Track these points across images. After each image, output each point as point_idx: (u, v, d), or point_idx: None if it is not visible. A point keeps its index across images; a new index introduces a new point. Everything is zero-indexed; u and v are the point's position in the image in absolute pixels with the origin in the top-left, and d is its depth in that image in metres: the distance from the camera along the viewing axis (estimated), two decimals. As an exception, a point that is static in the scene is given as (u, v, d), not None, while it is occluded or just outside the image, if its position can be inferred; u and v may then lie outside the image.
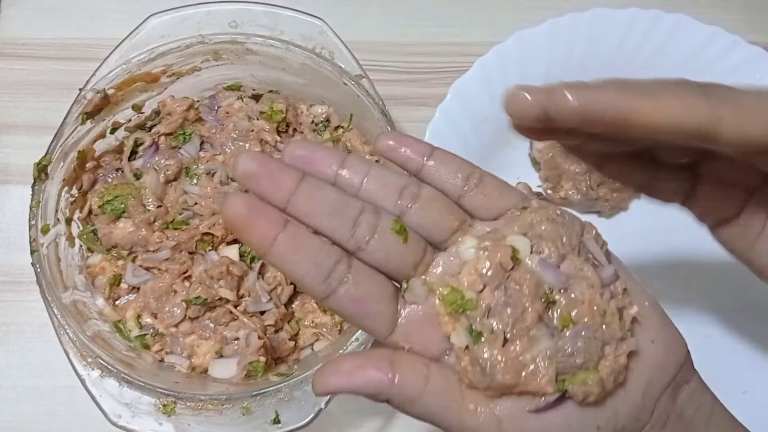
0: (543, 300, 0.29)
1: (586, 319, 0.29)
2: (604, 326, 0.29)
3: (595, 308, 0.29)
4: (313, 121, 0.57)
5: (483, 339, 0.29)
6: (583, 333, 0.29)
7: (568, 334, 0.29)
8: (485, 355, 0.28)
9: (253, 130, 0.56)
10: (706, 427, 0.32)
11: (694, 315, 0.58)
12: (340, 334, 0.53)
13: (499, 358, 0.28)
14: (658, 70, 0.61)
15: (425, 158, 0.31)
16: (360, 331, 0.46)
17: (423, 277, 0.30)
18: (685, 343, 0.32)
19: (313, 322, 0.54)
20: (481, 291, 0.29)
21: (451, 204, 0.31)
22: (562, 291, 0.29)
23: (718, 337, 0.57)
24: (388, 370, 0.29)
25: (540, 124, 0.28)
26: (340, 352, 0.45)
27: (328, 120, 0.57)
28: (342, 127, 0.57)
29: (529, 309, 0.29)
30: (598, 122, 0.26)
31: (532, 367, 0.29)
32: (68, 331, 0.45)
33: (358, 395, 0.29)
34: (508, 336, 0.29)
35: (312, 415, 0.45)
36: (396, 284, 0.30)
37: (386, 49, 0.66)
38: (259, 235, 0.27)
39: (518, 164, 0.61)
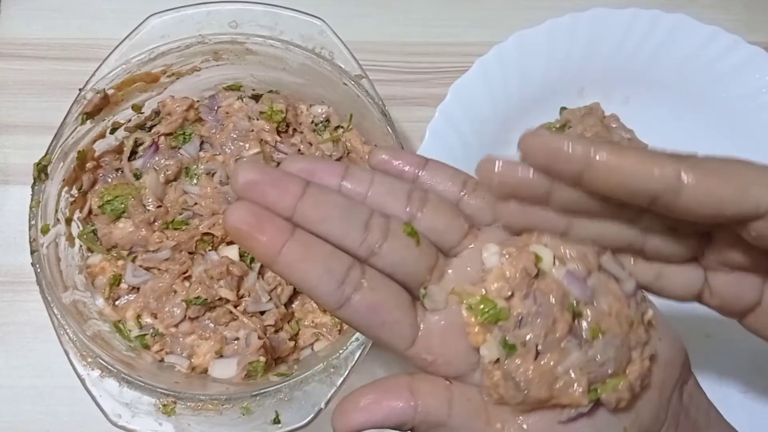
0: (570, 311, 0.28)
1: (615, 329, 0.28)
2: (631, 334, 0.29)
3: (623, 319, 0.28)
4: (313, 121, 0.57)
5: (516, 352, 0.28)
6: (614, 342, 0.28)
7: (598, 343, 0.28)
8: (519, 369, 0.27)
9: (253, 130, 0.56)
10: (707, 428, 0.32)
11: (694, 315, 0.58)
12: (340, 334, 0.53)
13: (532, 371, 0.27)
14: (658, 70, 0.61)
15: (419, 169, 0.31)
16: (360, 331, 0.45)
17: (449, 286, 0.29)
18: (681, 341, 0.32)
19: (313, 322, 0.54)
20: (509, 299, 0.28)
21: (457, 208, 0.30)
22: (587, 304, 0.29)
23: (718, 337, 0.57)
24: (409, 399, 0.28)
25: (514, 188, 0.28)
26: (340, 352, 0.45)
27: (328, 120, 0.57)
28: (342, 127, 0.57)
29: (560, 319, 0.28)
30: (563, 166, 0.26)
31: (565, 379, 0.28)
32: (68, 331, 0.45)
33: (383, 429, 0.28)
34: (540, 348, 0.28)
35: (312, 415, 0.45)
36: (412, 294, 0.29)
37: (386, 49, 0.66)
38: (266, 243, 0.26)
39: (518, 164, 0.61)
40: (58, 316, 0.45)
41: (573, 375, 0.28)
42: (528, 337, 0.28)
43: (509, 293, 0.28)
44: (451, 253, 0.30)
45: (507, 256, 0.29)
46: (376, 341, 0.29)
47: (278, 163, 0.56)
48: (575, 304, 0.28)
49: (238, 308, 0.51)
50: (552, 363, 0.28)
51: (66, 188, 0.51)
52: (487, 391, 0.28)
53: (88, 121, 0.51)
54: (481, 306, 0.28)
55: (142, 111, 0.55)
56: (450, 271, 0.29)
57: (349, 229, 0.27)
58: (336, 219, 0.27)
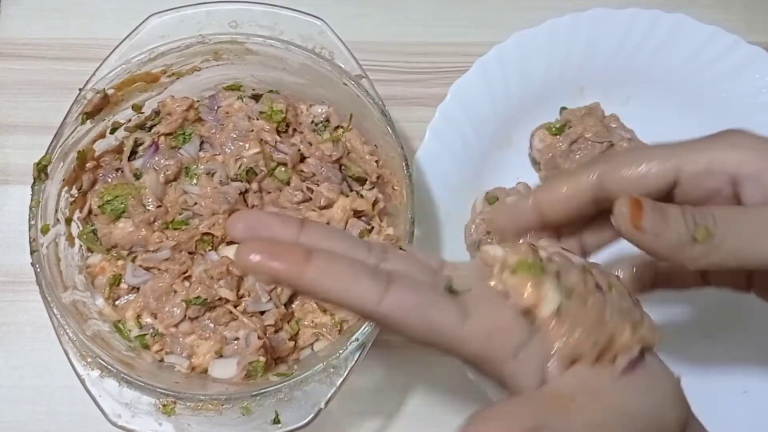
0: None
1: (618, 286, 0.30)
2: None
3: (621, 287, 0.30)
4: (312, 121, 0.57)
5: (572, 298, 0.28)
6: (624, 294, 0.29)
7: (615, 294, 0.29)
8: (579, 316, 0.27)
9: (252, 130, 0.56)
10: None
11: (694, 315, 0.58)
12: (340, 334, 0.53)
13: (588, 317, 0.28)
14: (658, 70, 0.61)
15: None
16: (360, 330, 0.45)
17: (466, 269, 0.30)
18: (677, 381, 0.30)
19: (312, 322, 0.54)
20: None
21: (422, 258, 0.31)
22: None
23: (717, 337, 0.57)
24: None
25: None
26: (340, 352, 0.45)
27: (327, 120, 0.57)
28: (342, 127, 0.56)
29: (585, 271, 0.29)
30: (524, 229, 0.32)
31: (611, 325, 0.28)
32: (68, 331, 0.45)
33: None
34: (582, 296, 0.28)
35: (312, 415, 0.45)
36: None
37: (386, 49, 0.66)
38: (288, 266, 0.26)
39: (518, 164, 0.61)
40: (58, 316, 0.45)
41: (617, 320, 0.28)
42: (571, 282, 0.28)
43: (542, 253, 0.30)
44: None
45: (508, 249, 0.30)
46: (425, 327, 0.27)
47: (278, 163, 0.56)
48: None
49: (238, 308, 0.51)
50: (598, 308, 0.28)
51: (66, 188, 0.51)
52: (559, 353, 0.27)
53: (88, 121, 0.51)
54: (525, 262, 0.28)
55: (142, 111, 0.55)
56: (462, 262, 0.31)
57: (352, 246, 0.29)
58: (338, 239, 0.29)
